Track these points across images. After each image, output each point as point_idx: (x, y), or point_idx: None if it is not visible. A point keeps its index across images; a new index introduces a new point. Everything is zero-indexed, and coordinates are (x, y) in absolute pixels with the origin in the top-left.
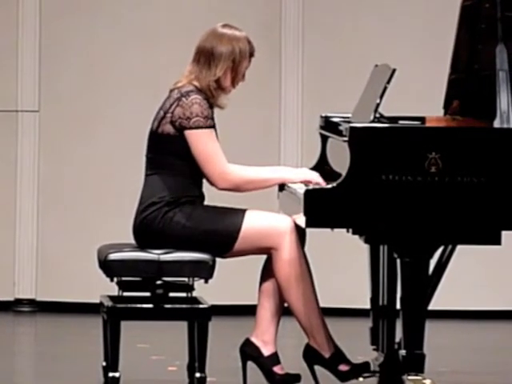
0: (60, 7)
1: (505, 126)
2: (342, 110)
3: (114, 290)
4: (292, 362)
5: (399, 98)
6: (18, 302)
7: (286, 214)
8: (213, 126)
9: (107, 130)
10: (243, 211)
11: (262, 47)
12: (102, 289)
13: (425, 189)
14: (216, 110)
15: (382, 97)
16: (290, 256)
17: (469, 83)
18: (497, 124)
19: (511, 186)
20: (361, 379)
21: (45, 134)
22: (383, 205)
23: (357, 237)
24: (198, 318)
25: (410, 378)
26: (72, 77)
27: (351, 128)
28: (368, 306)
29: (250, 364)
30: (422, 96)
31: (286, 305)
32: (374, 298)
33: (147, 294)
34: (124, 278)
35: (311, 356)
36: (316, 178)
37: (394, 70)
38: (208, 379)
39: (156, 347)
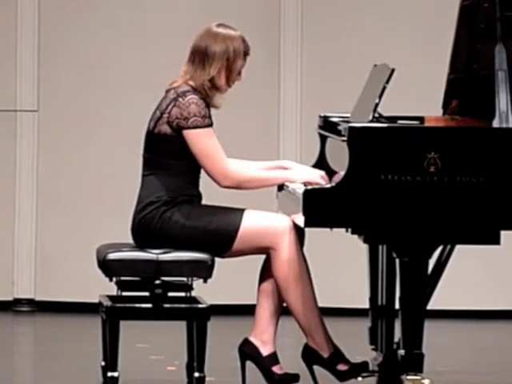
0: (59, 7)
1: (504, 125)
2: (340, 109)
3: (112, 289)
4: (291, 362)
5: (398, 98)
6: (17, 301)
7: (285, 213)
8: (211, 125)
9: (106, 130)
10: (242, 211)
11: (261, 47)
12: (101, 288)
13: (424, 188)
14: (214, 110)
15: (380, 96)
16: (288, 256)
17: (468, 83)
18: (496, 124)
19: (510, 185)
20: (360, 379)
21: (44, 134)
22: (382, 204)
23: (356, 236)
24: (197, 318)
25: (408, 377)
26: (71, 76)
27: (350, 128)
28: (367, 305)
29: (249, 364)
30: (421, 96)
31: (284, 305)
32: (373, 298)
33: (146, 293)
34: (123, 278)
35: (310, 356)
36: (317, 179)
37: (392, 70)
38: (207, 379)
39: (155, 347)
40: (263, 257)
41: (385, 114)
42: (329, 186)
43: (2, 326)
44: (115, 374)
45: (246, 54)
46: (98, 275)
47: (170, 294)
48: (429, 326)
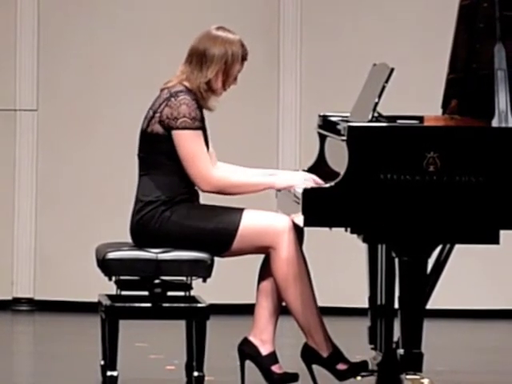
0: (58, 7)
1: (503, 125)
2: (340, 109)
3: (112, 288)
4: (290, 361)
5: (398, 98)
6: (17, 301)
7: (284, 213)
8: (200, 128)
9: (105, 130)
10: (241, 210)
11: (260, 47)
12: (100, 288)
13: (423, 188)
14: (214, 111)
15: (380, 96)
16: (287, 255)
17: (467, 82)
18: (495, 123)
19: (509, 185)
20: (359, 378)
21: (43, 133)
22: (381, 204)
23: (355, 236)
24: (196, 317)
25: (408, 377)
26: (70, 76)
27: (349, 127)
28: (366, 305)
29: (248, 363)
30: (420, 95)
31: (284, 304)
32: (372, 297)
33: (145, 292)
34: (122, 277)
35: (309, 355)
36: (300, 185)
37: (392, 70)
38: (206, 378)
39: (154, 346)
40: (262, 256)
41: (384, 113)
42: (328, 185)
43: (2, 326)
44: (114, 373)
45: (243, 58)
46: (97, 274)
47: (170, 293)
48: (428, 325)
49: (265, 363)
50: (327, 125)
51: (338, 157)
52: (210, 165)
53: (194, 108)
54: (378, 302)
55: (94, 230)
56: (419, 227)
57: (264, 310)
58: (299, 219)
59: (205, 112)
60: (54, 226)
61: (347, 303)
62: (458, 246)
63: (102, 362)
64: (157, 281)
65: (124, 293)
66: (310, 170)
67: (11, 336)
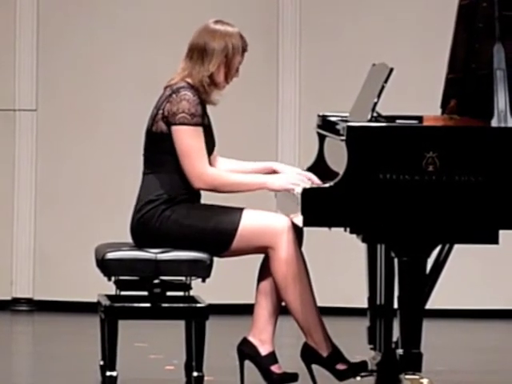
0: (58, 7)
1: (502, 125)
2: (339, 109)
3: (111, 289)
4: (289, 361)
5: (397, 98)
6: (16, 301)
7: (284, 213)
8: (199, 124)
9: (105, 129)
10: (241, 210)
11: (259, 46)
12: (100, 288)
13: (422, 188)
14: (213, 109)
15: (379, 96)
16: (287, 255)
17: (466, 82)
18: (494, 123)
19: (509, 185)
20: (358, 378)
21: (42, 133)
22: (381, 204)
23: (354, 236)
24: (196, 317)
25: (407, 377)
26: (70, 76)
27: (348, 127)
28: (365, 305)
29: (248, 363)
30: (420, 95)
31: (283, 304)
32: (372, 297)
33: (145, 293)
34: (121, 277)
35: (309, 355)
36: (289, 185)
37: (391, 70)
38: (205, 378)
39: (153, 346)
40: (262, 256)
41: (384, 113)
42: (327, 185)
43: (1, 326)
44: (114, 374)
45: (244, 50)
46: (96, 274)
47: (169, 293)
48: (427, 325)
49: (264, 363)
50: (326, 125)
51: (337, 157)
52: (206, 162)
53: (194, 104)
54: (378, 302)
55: (93, 230)
56: (418, 227)
57: (263, 310)
58: (298, 219)
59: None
60: (53, 225)
61: (346, 303)
62: (457, 246)
63: (102, 362)
64: (156, 281)
65: (123, 293)
66: (310, 170)
67: (10, 336)
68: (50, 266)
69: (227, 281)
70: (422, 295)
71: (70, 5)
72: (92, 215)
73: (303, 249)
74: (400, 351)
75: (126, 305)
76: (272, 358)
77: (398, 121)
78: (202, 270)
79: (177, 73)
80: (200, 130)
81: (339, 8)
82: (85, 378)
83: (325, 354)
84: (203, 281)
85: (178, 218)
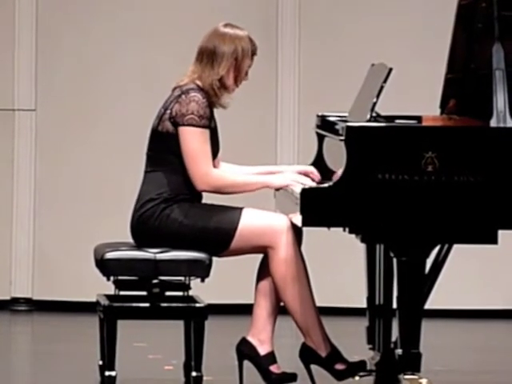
0: (56, 7)
1: (501, 125)
2: (338, 109)
3: (110, 288)
4: (288, 361)
5: (397, 98)
6: (15, 300)
7: (283, 212)
8: (207, 127)
9: (104, 129)
10: (240, 209)
11: (259, 46)
12: (99, 288)
13: (421, 188)
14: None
15: (378, 96)
16: (286, 255)
17: (465, 82)
18: (493, 123)
19: (508, 184)
20: (357, 378)
21: (41, 133)
22: (380, 204)
23: (353, 236)
24: (195, 317)
25: (406, 377)
26: (69, 76)
27: (348, 127)
28: (364, 305)
29: (247, 363)
30: (419, 95)
31: (282, 304)
32: (371, 297)
33: (144, 293)
34: (120, 277)
35: (307, 355)
36: (289, 182)
37: (390, 69)
38: (204, 378)
39: (152, 346)
40: (260, 256)
41: (383, 113)
42: (326, 185)
43: (0, 326)
44: (113, 374)
45: (253, 53)
46: (95, 274)
47: (168, 293)
48: (426, 325)
49: (263, 363)
50: (325, 125)
51: (337, 157)
52: (210, 164)
53: (203, 106)
54: (377, 302)
55: (92, 230)
56: (417, 227)
57: (262, 309)
58: (297, 219)
59: None
60: (52, 225)
61: (345, 303)
62: (456, 246)
63: (101, 362)
64: (155, 281)
65: (122, 293)
66: None
67: (9, 336)
68: (49, 266)
69: (226, 281)
70: (420, 295)
71: (69, 5)
72: (91, 215)
73: (302, 248)
74: (399, 351)
75: (125, 305)
76: (271, 357)
77: (397, 121)
78: (201, 270)
79: (186, 75)
80: (207, 132)
81: (339, 8)
82: (84, 377)
83: (323, 354)
84: (202, 281)
85: (178, 217)
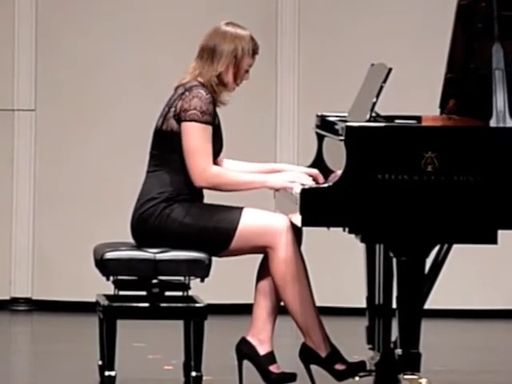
0: (56, 7)
1: (501, 125)
2: (338, 109)
3: (110, 288)
4: (288, 361)
5: (396, 98)
6: (14, 300)
7: (283, 212)
8: (209, 123)
9: (104, 129)
10: (240, 209)
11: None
12: (98, 288)
13: (421, 188)
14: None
15: (378, 96)
16: (286, 255)
17: (465, 82)
18: (493, 123)
19: (508, 184)
20: (357, 378)
21: (41, 133)
22: (379, 204)
23: (353, 236)
24: (194, 317)
25: (406, 377)
26: (69, 76)
27: (347, 127)
28: (364, 304)
29: (246, 363)
30: (419, 95)
31: (282, 304)
32: (370, 297)
33: (143, 292)
34: (120, 277)
35: (307, 355)
36: (287, 183)
37: (390, 70)
38: (204, 378)
39: (152, 346)
40: (260, 256)
41: (383, 113)
42: (326, 185)
43: (0, 325)
44: (112, 374)
45: (254, 52)
46: (95, 274)
47: (167, 293)
48: (426, 325)
49: (263, 363)
50: (325, 125)
51: (336, 157)
52: (209, 161)
53: (206, 102)
54: (376, 302)
55: (92, 230)
56: (417, 227)
57: (262, 309)
58: (297, 219)
59: None
60: (52, 225)
61: (345, 303)
62: (455, 246)
63: (100, 362)
64: (155, 281)
65: (122, 293)
66: None
67: (9, 336)
68: (48, 266)
69: (226, 281)
70: (420, 295)
71: (68, 4)
72: (91, 215)
73: (302, 248)
74: (399, 351)
75: (125, 305)
76: (270, 357)
77: (396, 121)
78: (201, 270)
79: (188, 72)
80: (209, 128)
81: (339, 8)
82: (83, 377)
83: (323, 354)
84: (202, 281)
85: (178, 216)
